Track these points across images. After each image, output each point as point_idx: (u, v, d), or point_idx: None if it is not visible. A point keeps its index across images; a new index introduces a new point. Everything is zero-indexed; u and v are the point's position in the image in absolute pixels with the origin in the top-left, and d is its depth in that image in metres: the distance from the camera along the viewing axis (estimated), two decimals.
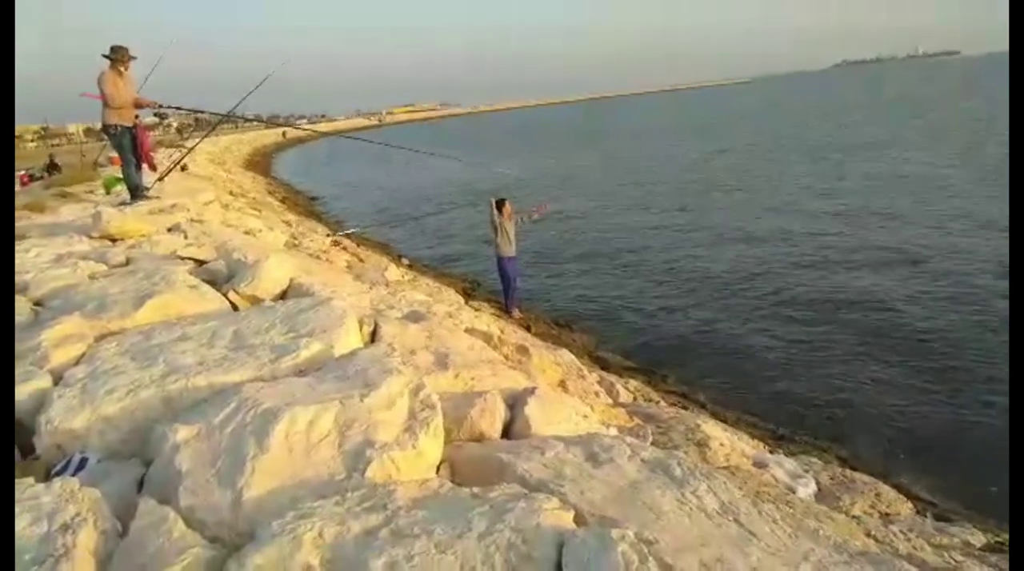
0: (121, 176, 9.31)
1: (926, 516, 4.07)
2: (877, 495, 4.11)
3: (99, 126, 8.56)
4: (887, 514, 3.92)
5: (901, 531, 3.48)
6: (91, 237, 6.28)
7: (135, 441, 2.31)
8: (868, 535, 3.27)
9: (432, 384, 2.57)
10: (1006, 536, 3.83)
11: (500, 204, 9.55)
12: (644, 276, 11.47)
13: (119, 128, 8.11)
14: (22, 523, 1.63)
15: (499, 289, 9.90)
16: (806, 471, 4.24)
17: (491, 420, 2.70)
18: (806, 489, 3.94)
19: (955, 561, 3.18)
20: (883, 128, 31.73)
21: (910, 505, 4.19)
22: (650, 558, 1.46)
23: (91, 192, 12.21)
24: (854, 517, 3.65)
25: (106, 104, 7.96)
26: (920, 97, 54.50)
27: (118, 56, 7.89)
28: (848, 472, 4.55)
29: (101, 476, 2.06)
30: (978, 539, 3.69)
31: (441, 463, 2.23)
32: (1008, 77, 2.63)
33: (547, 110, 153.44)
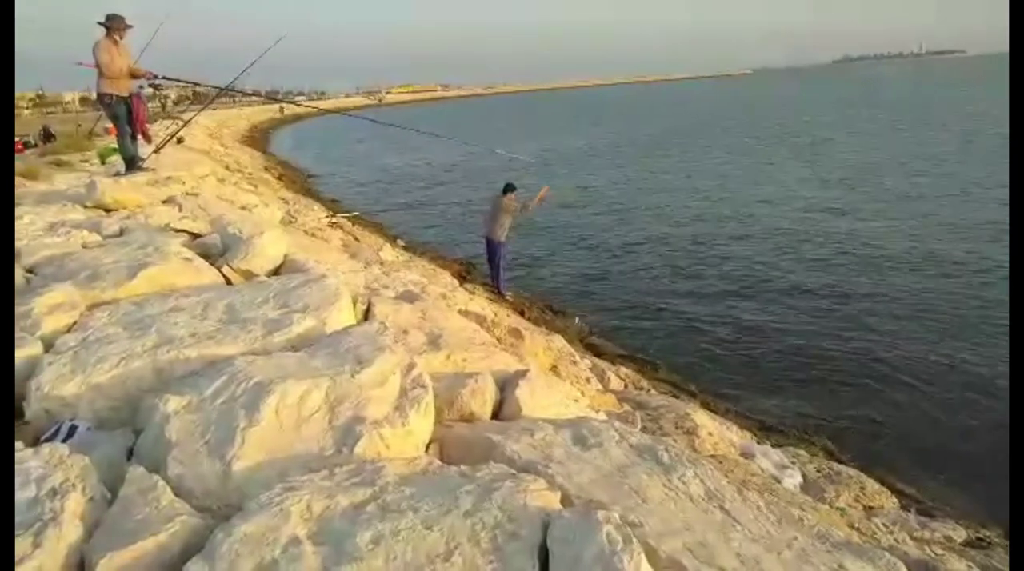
0: (116, 146, 9.22)
1: (909, 511, 4.12)
2: (862, 488, 4.15)
3: (95, 95, 8.45)
4: (871, 507, 3.97)
5: (884, 524, 3.52)
6: (85, 206, 6.23)
7: (125, 410, 2.31)
8: (851, 527, 3.32)
9: (424, 364, 2.57)
10: (987, 532, 3.89)
11: (507, 189, 9.57)
12: (638, 265, 11.49)
13: (114, 98, 8.00)
14: None
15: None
16: (792, 462, 4.28)
17: (482, 401, 2.71)
18: (791, 480, 3.98)
19: (936, 555, 3.22)
20: None
21: (894, 499, 4.24)
22: (634, 540, 1.47)
23: (86, 161, 12.10)
24: (838, 509, 3.70)
25: (101, 73, 7.86)
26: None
27: (113, 24, 7.77)
28: (834, 465, 4.60)
29: (90, 444, 2.05)
30: (960, 535, 3.74)
31: (431, 442, 2.24)
32: (1008, 77, 2.63)
33: (538, 95, 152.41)
